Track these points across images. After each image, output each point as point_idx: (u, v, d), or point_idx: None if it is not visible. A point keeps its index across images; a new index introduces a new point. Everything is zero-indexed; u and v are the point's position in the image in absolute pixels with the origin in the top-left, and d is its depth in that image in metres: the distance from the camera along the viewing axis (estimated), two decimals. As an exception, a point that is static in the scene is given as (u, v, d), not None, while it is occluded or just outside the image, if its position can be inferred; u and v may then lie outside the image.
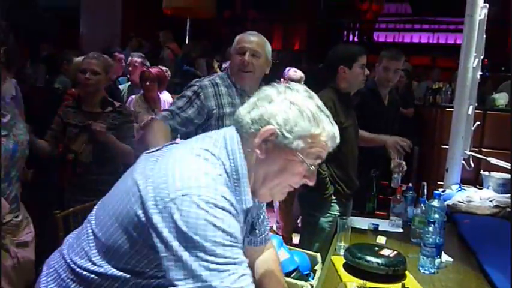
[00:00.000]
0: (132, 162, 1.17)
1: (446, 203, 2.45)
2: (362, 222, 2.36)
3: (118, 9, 7.35)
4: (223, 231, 0.96)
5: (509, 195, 2.53)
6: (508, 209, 2.46)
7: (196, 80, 2.23)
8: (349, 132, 2.44)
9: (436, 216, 1.87)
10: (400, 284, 1.62)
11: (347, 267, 1.77)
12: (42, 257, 1.30)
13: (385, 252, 1.76)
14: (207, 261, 0.94)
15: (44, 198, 2.62)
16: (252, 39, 2.15)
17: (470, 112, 3.02)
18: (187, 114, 2.08)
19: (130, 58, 4.33)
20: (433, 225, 1.81)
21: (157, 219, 0.98)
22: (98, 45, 4.59)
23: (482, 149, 3.99)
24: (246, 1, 10.04)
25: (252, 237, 1.36)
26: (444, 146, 3.55)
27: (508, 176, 2.78)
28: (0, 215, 1.64)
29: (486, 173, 2.99)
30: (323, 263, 1.93)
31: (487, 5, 2.91)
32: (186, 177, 0.99)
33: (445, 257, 1.89)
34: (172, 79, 4.39)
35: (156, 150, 1.16)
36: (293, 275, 1.84)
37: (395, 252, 1.78)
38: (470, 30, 2.94)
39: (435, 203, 1.92)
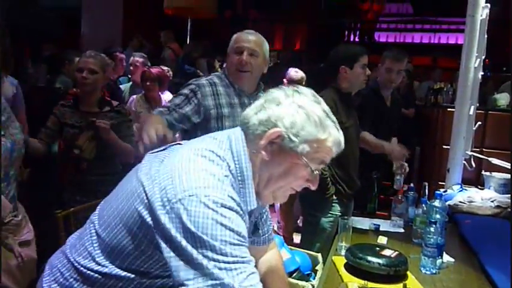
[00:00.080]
0: (131, 161, 1.17)
1: (447, 203, 2.45)
2: (363, 223, 2.35)
3: (119, 9, 7.35)
4: (232, 230, 0.97)
5: (510, 195, 2.52)
6: (509, 210, 2.45)
7: (194, 79, 2.20)
8: (350, 132, 2.43)
9: (438, 216, 1.86)
10: (401, 285, 1.62)
11: (348, 267, 1.77)
12: (43, 256, 1.30)
13: (387, 252, 1.76)
14: (217, 260, 0.94)
15: (44, 198, 2.62)
16: (250, 38, 2.10)
17: (471, 112, 3.02)
18: (184, 111, 2.04)
19: (131, 58, 4.33)
20: (434, 226, 1.81)
21: (164, 220, 0.98)
22: (99, 45, 4.58)
23: (484, 149, 3.97)
24: (247, 1, 10.03)
25: (255, 238, 1.35)
26: (445, 146, 3.54)
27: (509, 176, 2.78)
28: (0, 214, 1.64)
29: (487, 173, 2.99)
30: (324, 263, 1.93)
31: (489, 5, 2.91)
32: (193, 178, 0.99)
33: (446, 258, 1.89)
34: (174, 79, 4.38)
35: (160, 151, 1.15)
36: (294, 275, 1.84)
37: (397, 252, 1.78)
38: (472, 30, 2.94)
39: (436, 203, 1.91)
